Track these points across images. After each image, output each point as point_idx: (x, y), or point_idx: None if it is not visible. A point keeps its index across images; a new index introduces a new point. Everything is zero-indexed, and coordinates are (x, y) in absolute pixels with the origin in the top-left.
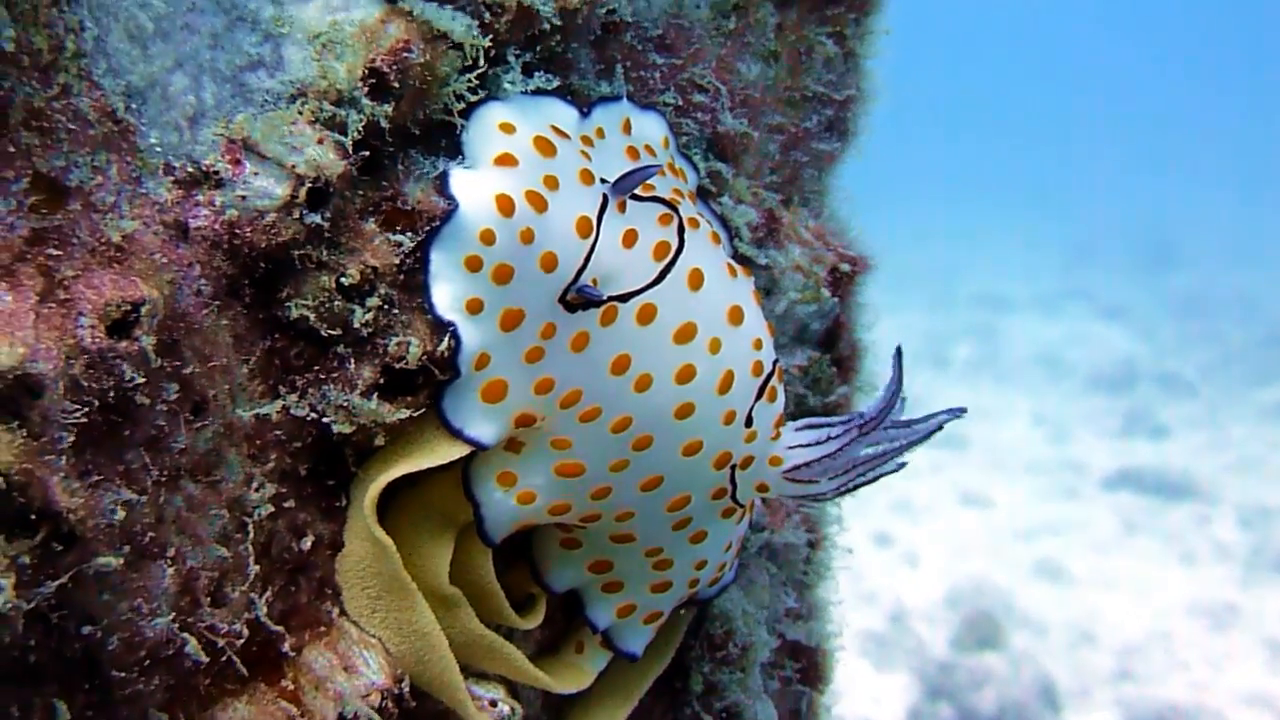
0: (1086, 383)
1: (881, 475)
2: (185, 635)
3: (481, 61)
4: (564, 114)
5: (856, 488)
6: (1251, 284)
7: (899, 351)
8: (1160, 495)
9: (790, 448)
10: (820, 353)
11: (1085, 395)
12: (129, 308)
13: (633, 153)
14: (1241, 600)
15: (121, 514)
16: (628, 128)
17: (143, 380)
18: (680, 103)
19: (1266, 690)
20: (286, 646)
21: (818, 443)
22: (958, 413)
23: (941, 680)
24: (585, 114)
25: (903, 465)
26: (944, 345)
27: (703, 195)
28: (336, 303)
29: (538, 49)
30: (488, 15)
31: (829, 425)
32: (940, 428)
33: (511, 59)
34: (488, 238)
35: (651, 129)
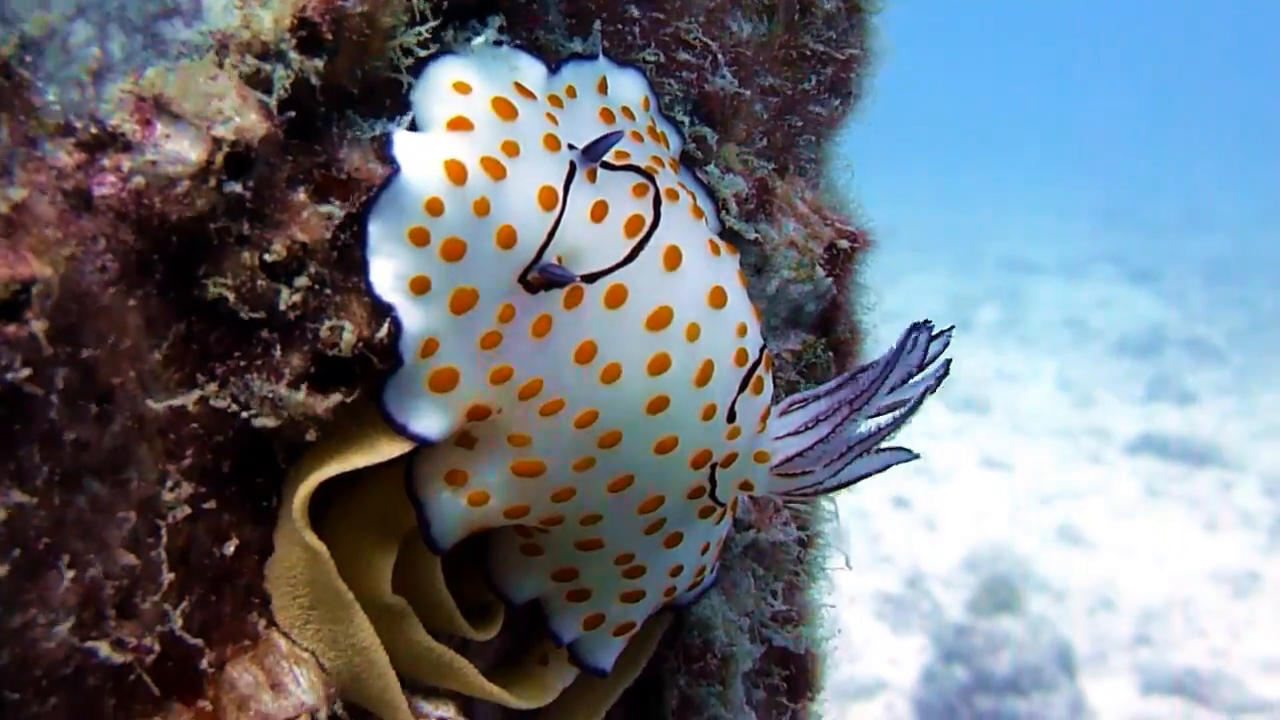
0: (1113, 347)
1: (886, 466)
2: (91, 645)
3: (429, 15)
4: (530, 70)
5: (857, 480)
6: None
7: (920, 324)
8: (1184, 461)
9: (778, 438)
10: (815, 337)
11: (1111, 360)
12: (18, 287)
13: (607, 115)
14: (1264, 567)
15: (12, 518)
16: (603, 87)
17: (34, 369)
18: (663, 60)
19: None
20: (204, 663)
21: (807, 427)
22: (942, 373)
23: (957, 643)
24: (554, 71)
25: (913, 456)
26: (969, 308)
27: (687, 163)
28: (260, 282)
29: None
30: None
31: (816, 401)
32: (930, 392)
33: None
34: (435, 208)
35: (629, 89)
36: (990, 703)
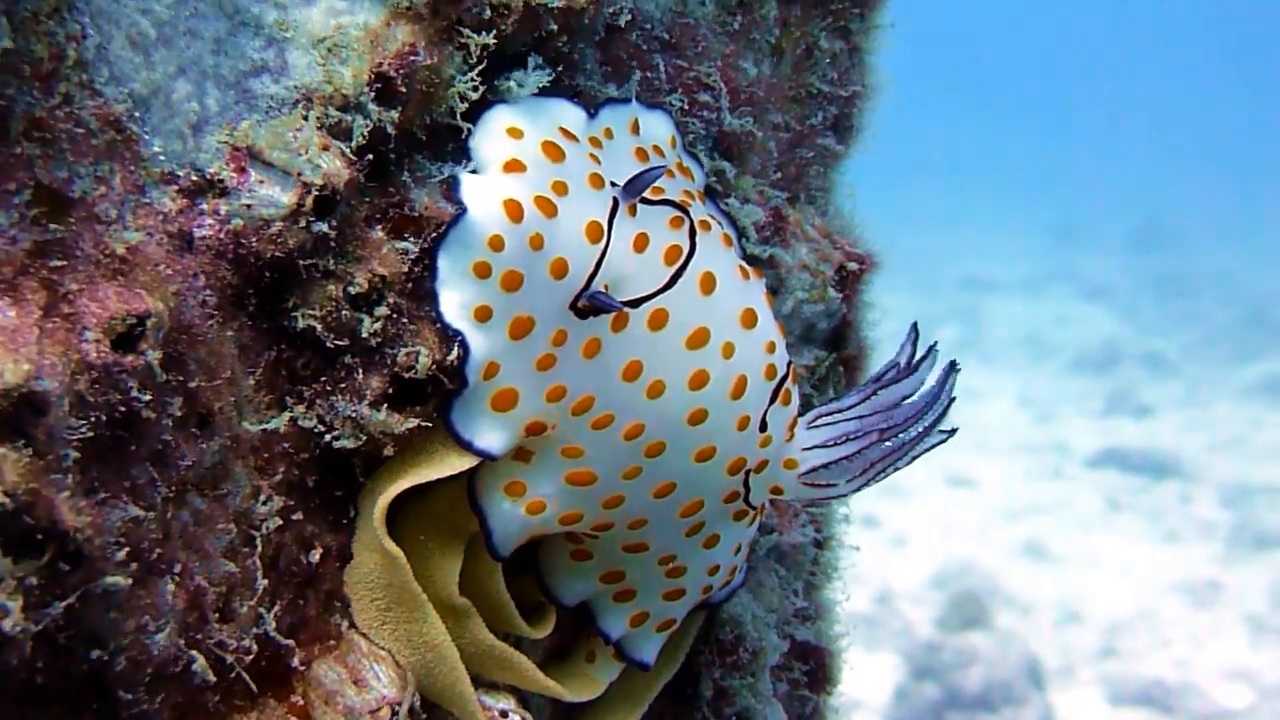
0: (1070, 363)
1: (913, 459)
2: (193, 653)
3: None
4: (571, 115)
5: (876, 481)
6: (1233, 264)
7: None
8: (1144, 474)
9: (805, 449)
10: (827, 352)
11: (1069, 376)
12: (134, 321)
13: (641, 154)
14: (1224, 577)
15: (128, 531)
16: (636, 128)
17: (149, 395)
18: (685, 104)
19: (1248, 666)
20: (295, 661)
21: (835, 442)
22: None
23: (928, 660)
24: (592, 115)
25: (949, 435)
26: (929, 327)
27: (710, 195)
28: (344, 312)
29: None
30: (491, 14)
31: (844, 419)
32: (948, 405)
33: (530, 64)
34: (496, 244)
35: (658, 128)
36: (962, 719)
